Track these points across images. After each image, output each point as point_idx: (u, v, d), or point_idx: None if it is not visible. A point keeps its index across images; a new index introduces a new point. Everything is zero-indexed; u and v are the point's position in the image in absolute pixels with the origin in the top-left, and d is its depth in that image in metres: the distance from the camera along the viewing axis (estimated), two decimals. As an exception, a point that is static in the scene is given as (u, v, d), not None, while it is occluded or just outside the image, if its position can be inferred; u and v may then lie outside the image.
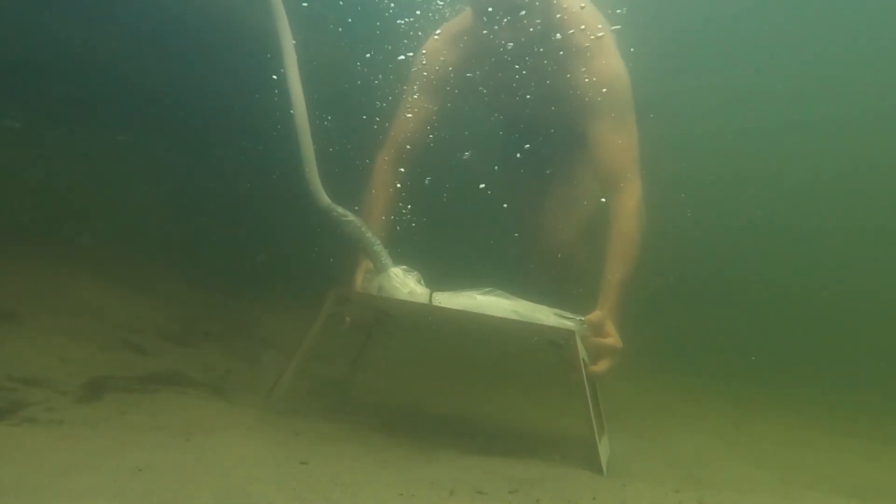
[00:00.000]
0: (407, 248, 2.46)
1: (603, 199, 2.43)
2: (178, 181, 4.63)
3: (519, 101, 2.73)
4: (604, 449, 2.16)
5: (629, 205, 2.33)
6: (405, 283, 2.10)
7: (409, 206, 2.67)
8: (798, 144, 7.80)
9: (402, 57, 2.79)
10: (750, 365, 5.09)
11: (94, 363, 2.22)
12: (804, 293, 7.31)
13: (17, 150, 4.03)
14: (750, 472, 2.19)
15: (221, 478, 1.37)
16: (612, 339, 2.08)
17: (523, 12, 2.39)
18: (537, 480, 1.65)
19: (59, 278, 2.93)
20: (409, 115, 2.61)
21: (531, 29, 2.43)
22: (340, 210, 2.07)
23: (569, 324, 2.02)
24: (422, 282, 2.15)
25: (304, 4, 2.49)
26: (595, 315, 2.09)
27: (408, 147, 2.60)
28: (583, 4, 2.58)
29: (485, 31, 2.47)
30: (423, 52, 2.69)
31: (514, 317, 2.00)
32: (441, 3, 2.94)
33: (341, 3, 3.70)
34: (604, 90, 2.46)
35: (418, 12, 2.95)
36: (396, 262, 2.17)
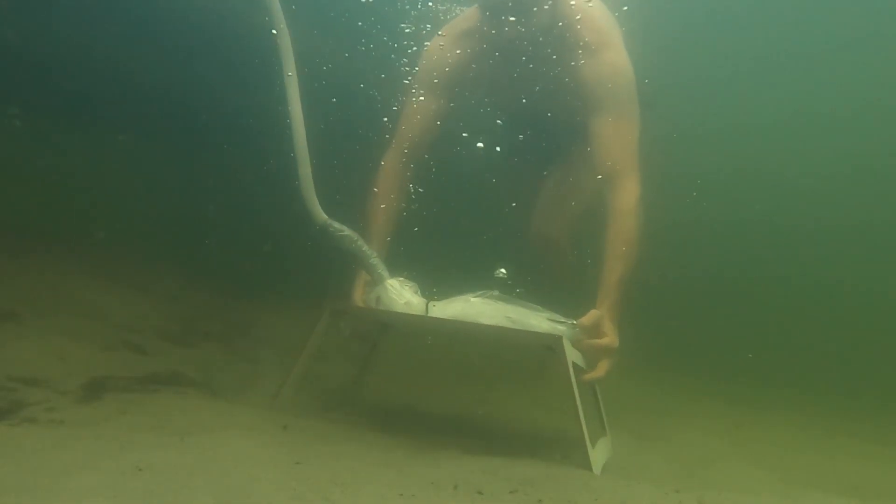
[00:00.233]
0: (406, 243, 2.47)
1: (599, 196, 2.42)
2: (177, 181, 4.63)
3: (525, 97, 2.72)
4: (604, 449, 2.17)
5: (627, 202, 2.31)
6: (402, 294, 2.13)
7: (412, 202, 2.67)
8: (798, 143, 7.80)
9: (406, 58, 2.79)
10: (750, 365, 5.09)
11: (94, 363, 2.22)
12: (804, 293, 7.31)
13: (17, 150, 4.03)
14: (750, 472, 2.19)
15: (221, 478, 1.37)
16: (609, 338, 2.08)
17: (535, 9, 2.39)
18: (537, 480, 1.65)
19: (59, 278, 2.93)
20: (417, 115, 2.60)
21: (538, 25, 2.43)
22: (336, 225, 2.11)
23: (560, 328, 2.03)
24: (418, 292, 2.17)
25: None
26: (593, 313, 2.09)
27: (415, 148, 2.59)
28: (590, 3, 2.57)
29: (492, 29, 2.47)
30: (429, 50, 2.68)
31: (506, 323, 2.03)
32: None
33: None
34: (607, 85, 2.45)
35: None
36: (393, 273, 2.20)
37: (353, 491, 1.41)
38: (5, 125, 3.78)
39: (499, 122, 3.27)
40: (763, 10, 6.92)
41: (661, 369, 4.60)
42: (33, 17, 3.43)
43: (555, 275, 3.13)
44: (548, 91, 2.66)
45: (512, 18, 2.41)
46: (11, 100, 3.72)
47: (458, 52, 2.62)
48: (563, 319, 2.06)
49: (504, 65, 2.60)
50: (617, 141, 2.42)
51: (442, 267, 2.39)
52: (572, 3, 2.52)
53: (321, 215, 2.09)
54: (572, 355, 1.99)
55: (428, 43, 2.70)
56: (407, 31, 2.99)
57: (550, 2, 2.42)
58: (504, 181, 3.62)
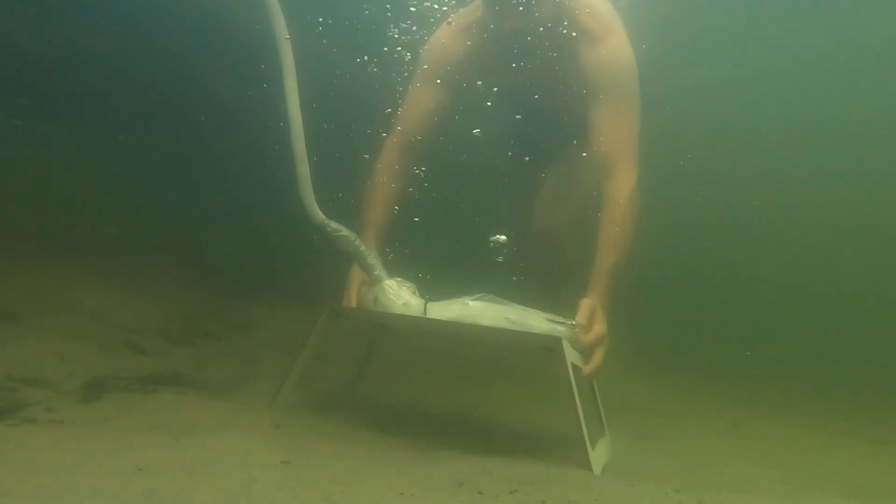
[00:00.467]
0: (406, 242, 2.46)
1: (598, 190, 2.41)
2: (177, 181, 4.64)
3: (528, 89, 2.71)
4: (604, 449, 2.17)
5: (623, 191, 2.30)
6: (400, 295, 2.12)
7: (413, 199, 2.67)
8: (798, 142, 7.80)
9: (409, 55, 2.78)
10: (750, 364, 5.09)
11: (94, 363, 2.22)
12: (804, 292, 7.31)
13: (17, 150, 4.03)
14: (750, 471, 2.19)
15: (221, 478, 1.37)
16: (598, 326, 2.07)
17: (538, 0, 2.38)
18: (537, 480, 1.65)
19: (59, 278, 2.93)
20: (418, 104, 2.59)
21: (542, 16, 2.43)
22: (334, 225, 2.10)
23: (559, 328, 2.03)
24: (416, 293, 2.16)
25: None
26: (585, 304, 2.08)
27: (416, 138, 2.58)
28: None
29: (496, 20, 2.46)
30: (433, 40, 2.67)
31: (505, 324, 2.03)
32: None
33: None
34: (608, 72, 2.44)
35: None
36: (391, 274, 2.19)
37: (352, 491, 1.41)
38: (5, 125, 3.79)
39: (503, 115, 3.25)
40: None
41: (661, 369, 4.60)
42: (33, 18, 3.43)
43: (556, 271, 3.12)
44: (551, 82, 2.65)
45: (516, 9, 2.40)
46: (12, 100, 3.72)
47: (461, 43, 2.61)
48: (562, 320, 2.06)
49: (508, 56, 2.58)
50: (615, 129, 2.41)
51: (441, 267, 2.39)
52: None
53: (319, 215, 2.08)
54: (571, 356, 1.99)
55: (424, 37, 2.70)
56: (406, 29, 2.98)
57: None
58: (507, 176, 3.61)
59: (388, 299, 2.12)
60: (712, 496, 1.66)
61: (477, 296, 2.08)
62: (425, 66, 2.63)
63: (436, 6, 2.90)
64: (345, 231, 2.11)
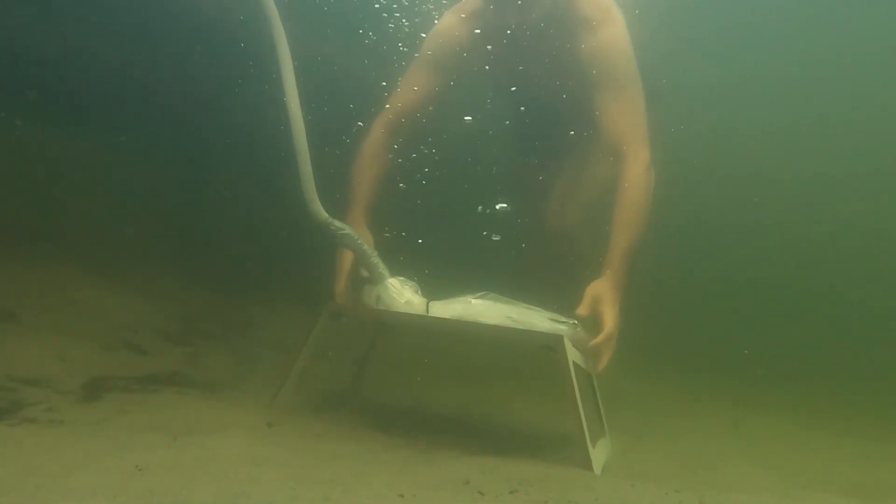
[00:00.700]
0: (407, 241, 2.45)
1: (612, 185, 2.39)
2: (177, 181, 4.63)
3: (529, 79, 2.71)
4: (604, 449, 2.17)
5: (635, 171, 2.28)
6: (402, 293, 2.12)
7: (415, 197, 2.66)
8: (798, 142, 7.80)
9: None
10: (750, 364, 5.09)
11: (94, 363, 2.22)
12: (804, 292, 7.31)
13: (17, 150, 4.03)
14: (750, 471, 2.19)
15: (221, 478, 1.37)
16: (610, 321, 2.04)
17: None
18: (538, 480, 1.65)
19: (59, 278, 2.92)
20: (412, 89, 2.58)
21: (541, 6, 2.43)
22: (337, 223, 2.10)
23: (561, 328, 2.03)
24: (419, 292, 2.16)
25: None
26: (597, 284, 2.06)
27: (405, 121, 2.56)
28: None
29: (496, 11, 2.46)
30: (436, 29, 2.67)
31: (507, 322, 2.03)
32: None
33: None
34: (608, 58, 2.44)
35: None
36: (394, 273, 2.19)
37: (353, 491, 1.41)
38: (5, 125, 3.79)
39: (505, 107, 3.22)
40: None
41: (662, 368, 4.60)
42: (33, 17, 3.43)
43: (571, 268, 3.10)
44: (553, 72, 2.64)
45: (515, 3, 2.40)
46: (12, 99, 3.72)
47: (464, 31, 2.61)
48: (564, 319, 2.05)
49: (509, 47, 2.58)
50: (622, 113, 2.40)
51: (443, 266, 2.39)
52: None
53: (322, 213, 2.08)
54: (573, 355, 1.99)
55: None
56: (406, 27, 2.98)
57: None
58: (512, 171, 3.59)
59: (390, 297, 2.12)
60: (712, 496, 1.66)
61: (479, 294, 2.09)
62: (425, 52, 2.63)
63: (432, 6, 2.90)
64: (348, 229, 2.11)
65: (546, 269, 3.20)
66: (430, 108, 2.61)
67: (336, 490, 1.40)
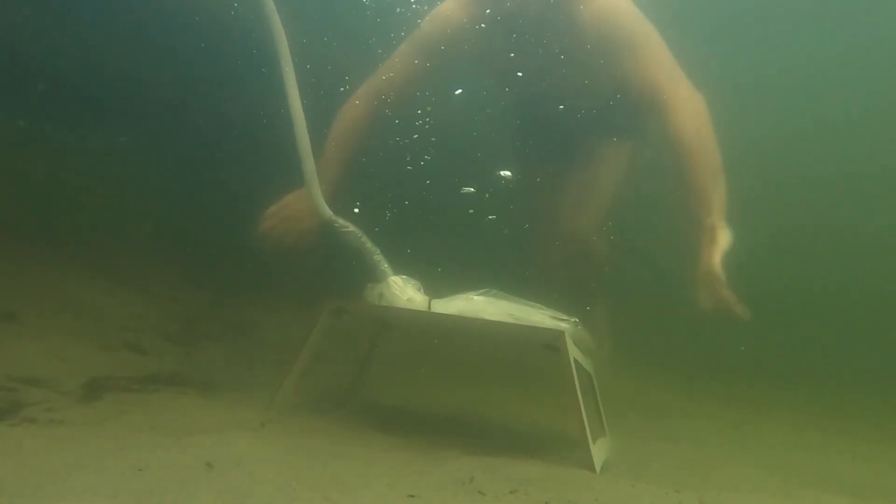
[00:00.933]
0: (411, 241, 2.45)
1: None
2: (177, 181, 4.63)
3: (534, 71, 2.66)
4: (604, 448, 2.17)
5: (681, 114, 2.15)
6: (404, 291, 2.12)
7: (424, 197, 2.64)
8: (800, 142, 7.79)
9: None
10: (750, 364, 5.09)
11: (94, 363, 2.21)
12: (804, 292, 7.31)
13: (17, 150, 4.03)
14: (750, 472, 2.19)
15: (221, 478, 1.37)
16: (724, 290, 1.95)
17: None
18: (538, 480, 1.65)
19: (59, 278, 2.92)
20: (398, 67, 2.54)
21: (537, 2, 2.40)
22: (341, 221, 2.10)
23: (563, 325, 2.03)
24: (421, 290, 2.17)
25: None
26: (704, 265, 1.99)
27: (386, 96, 2.52)
28: None
29: (490, 4, 2.45)
30: (435, 13, 2.65)
31: (509, 319, 2.03)
32: None
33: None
34: (613, 22, 2.36)
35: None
36: (396, 271, 2.19)
37: (353, 491, 1.41)
38: (6, 125, 3.79)
39: (506, 98, 3.18)
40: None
41: (661, 369, 4.60)
42: (32, 17, 3.43)
43: (588, 272, 3.06)
44: (559, 61, 2.57)
45: None
46: (12, 99, 3.72)
47: (460, 18, 2.58)
48: (565, 317, 2.06)
49: (511, 37, 2.54)
50: (648, 69, 2.29)
51: (446, 265, 2.39)
52: None
53: (326, 211, 2.09)
54: (574, 352, 1.99)
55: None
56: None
57: None
58: (517, 170, 3.56)
59: (392, 295, 2.12)
60: (712, 496, 1.66)
61: (482, 291, 2.09)
62: (420, 33, 2.60)
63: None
64: (352, 227, 2.12)
65: (562, 272, 3.17)
66: (416, 91, 2.58)
67: (336, 490, 1.40)
